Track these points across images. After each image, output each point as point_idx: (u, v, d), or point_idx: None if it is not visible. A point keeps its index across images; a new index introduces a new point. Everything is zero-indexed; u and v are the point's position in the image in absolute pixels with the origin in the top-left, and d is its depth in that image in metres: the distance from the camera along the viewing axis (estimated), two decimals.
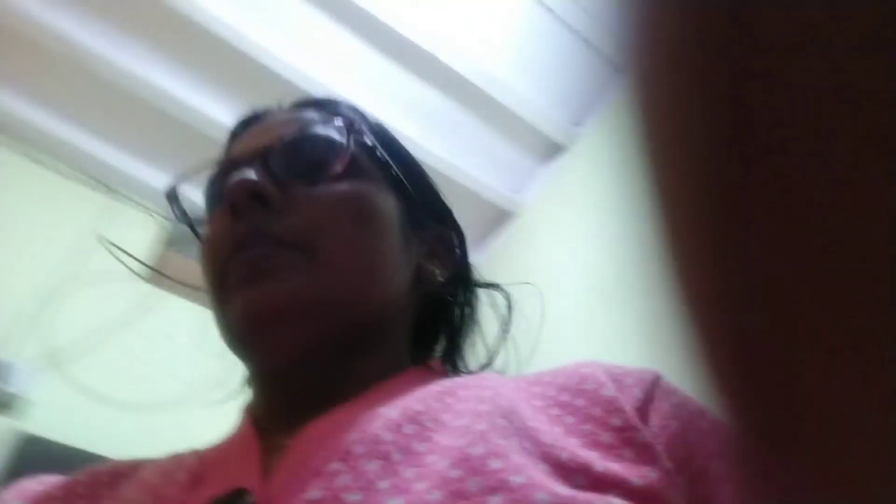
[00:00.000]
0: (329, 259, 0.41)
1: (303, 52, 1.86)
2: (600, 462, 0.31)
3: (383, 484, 0.30)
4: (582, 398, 0.36)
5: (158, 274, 0.86)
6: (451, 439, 0.32)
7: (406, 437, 0.33)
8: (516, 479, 0.29)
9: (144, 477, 0.42)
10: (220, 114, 1.86)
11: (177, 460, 0.43)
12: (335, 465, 0.32)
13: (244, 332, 0.40)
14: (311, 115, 0.48)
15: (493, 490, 0.28)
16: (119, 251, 0.55)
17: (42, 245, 1.84)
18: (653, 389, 0.37)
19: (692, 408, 0.36)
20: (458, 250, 0.52)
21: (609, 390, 0.35)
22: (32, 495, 0.44)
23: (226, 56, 1.81)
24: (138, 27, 1.80)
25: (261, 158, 0.43)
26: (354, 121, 0.47)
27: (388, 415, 0.35)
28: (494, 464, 0.30)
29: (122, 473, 0.44)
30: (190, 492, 0.38)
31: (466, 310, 0.52)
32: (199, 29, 1.75)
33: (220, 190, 0.45)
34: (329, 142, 0.45)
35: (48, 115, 1.90)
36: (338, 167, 0.44)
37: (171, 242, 1.96)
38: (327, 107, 0.50)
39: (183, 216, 0.49)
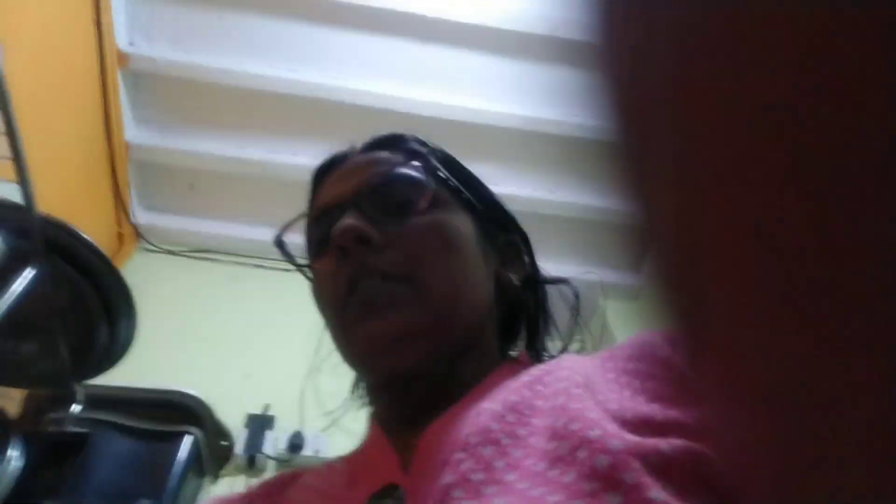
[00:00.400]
0: (429, 286, 0.47)
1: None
2: (661, 412, 0.36)
3: (499, 464, 0.37)
4: (644, 362, 0.41)
5: None
6: (545, 420, 0.39)
7: (510, 425, 0.40)
8: (593, 433, 0.35)
9: (307, 481, 0.51)
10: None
11: (330, 467, 0.52)
12: (458, 455, 0.38)
13: (367, 358, 0.48)
14: (388, 156, 0.53)
15: (577, 447, 0.34)
16: None
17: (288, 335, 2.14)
18: None
19: None
20: (525, 254, 0.58)
21: (664, 351, 0.41)
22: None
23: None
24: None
25: (354, 202, 0.50)
26: (426, 156, 0.53)
27: (492, 408, 0.41)
28: (574, 426, 0.36)
29: (287, 482, 0.53)
30: (349, 490, 0.46)
31: (541, 305, 0.59)
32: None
33: (321, 234, 0.51)
34: (412, 181, 0.51)
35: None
36: (423, 203, 0.50)
37: None
38: (398, 144, 0.55)
39: (291, 261, 0.57)
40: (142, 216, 2.28)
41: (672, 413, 0.37)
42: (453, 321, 0.48)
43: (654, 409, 0.37)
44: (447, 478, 0.38)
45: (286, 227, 0.58)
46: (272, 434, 1.75)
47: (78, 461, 1.09)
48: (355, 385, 0.62)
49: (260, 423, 1.75)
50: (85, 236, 0.95)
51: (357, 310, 0.47)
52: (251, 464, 1.69)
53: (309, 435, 1.76)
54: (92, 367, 1.09)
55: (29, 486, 1.00)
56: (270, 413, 1.78)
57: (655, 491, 0.32)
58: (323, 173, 0.57)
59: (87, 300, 0.99)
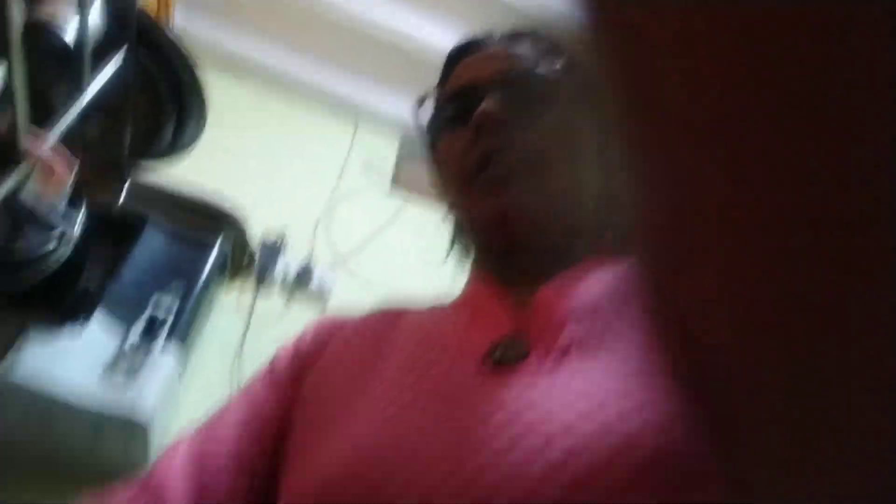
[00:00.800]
0: (555, 174, 0.52)
1: None
2: None
3: (608, 336, 0.43)
4: None
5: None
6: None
7: (614, 304, 0.46)
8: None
9: (417, 320, 0.56)
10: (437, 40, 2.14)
11: (437, 310, 0.57)
12: (574, 320, 0.45)
13: (490, 228, 0.54)
14: (529, 48, 0.57)
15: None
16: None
17: (311, 170, 2.19)
18: None
19: None
20: None
21: None
22: (330, 327, 0.60)
23: None
24: None
25: (494, 87, 0.54)
26: (560, 52, 0.56)
27: (598, 289, 0.48)
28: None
29: (396, 316, 0.58)
30: (466, 332, 0.50)
31: None
32: None
33: (455, 111, 0.56)
34: (546, 77, 0.55)
35: (301, 60, 2.34)
36: (557, 100, 0.54)
37: (404, 158, 2.32)
38: (535, 36, 0.58)
39: (420, 130, 0.61)
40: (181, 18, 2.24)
41: None
42: (571, 207, 0.53)
43: None
44: (563, 339, 0.44)
45: (424, 99, 0.62)
46: (283, 260, 1.85)
47: (128, 241, 1.18)
48: (454, 239, 0.65)
49: (272, 248, 1.85)
50: (174, 33, 0.98)
51: (487, 183, 0.52)
52: (260, 281, 1.80)
53: (318, 270, 1.87)
54: (150, 158, 1.15)
55: (81, 255, 1.09)
56: (283, 241, 1.87)
57: None
58: (460, 55, 0.60)
59: (162, 95, 1.03)
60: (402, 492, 0.39)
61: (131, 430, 1.14)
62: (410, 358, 0.50)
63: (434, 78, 0.63)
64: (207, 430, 0.54)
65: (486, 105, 0.52)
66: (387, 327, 0.56)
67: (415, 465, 0.40)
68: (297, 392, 0.55)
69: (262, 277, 1.80)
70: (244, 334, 1.61)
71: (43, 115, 0.82)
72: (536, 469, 0.36)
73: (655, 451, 0.35)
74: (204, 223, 1.36)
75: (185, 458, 0.52)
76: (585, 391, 0.39)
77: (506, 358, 0.45)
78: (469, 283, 0.59)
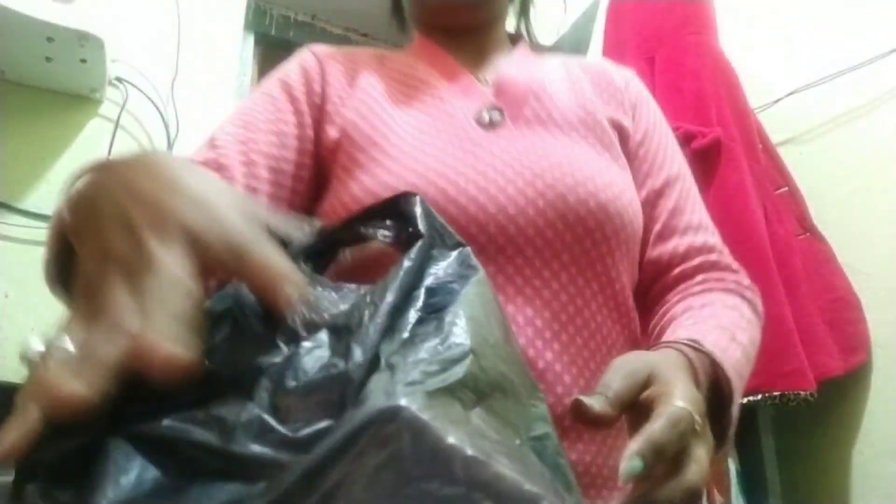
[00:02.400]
0: None
1: None
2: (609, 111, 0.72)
3: (548, 112, 0.68)
4: (604, 81, 0.76)
5: None
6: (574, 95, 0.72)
7: (549, 79, 0.72)
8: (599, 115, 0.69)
9: (394, 66, 0.75)
10: None
11: (408, 61, 0.76)
12: (529, 98, 0.69)
13: (442, 9, 0.74)
14: None
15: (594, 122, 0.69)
16: None
17: None
18: (631, 79, 0.79)
19: (648, 101, 0.77)
20: None
21: (606, 78, 0.77)
22: (325, 57, 0.73)
23: None
24: None
25: None
26: None
27: (539, 73, 0.73)
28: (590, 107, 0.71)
29: (379, 60, 0.76)
30: (458, 100, 0.69)
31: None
32: None
33: None
34: None
35: None
36: None
37: None
38: None
39: None
40: None
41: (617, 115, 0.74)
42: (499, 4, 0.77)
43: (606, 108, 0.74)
44: (526, 110, 0.68)
45: None
46: None
47: None
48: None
49: None
50: None
51: None
52: None
53: None
54: None
55: None
56: None
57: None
58: None
59: None
60: (463, 197, 0.59)
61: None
62: (420, 115, 0.67)
63: None
64: (245, 133, 0.64)
65: None
66: (385, 71, 0.73)
67: (464, 181, 0.60)
68: (321, 114, 0.68)
69: None
70: None
71: None
72: (533, 189, 0.60)
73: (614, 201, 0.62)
74: None
75: (234, 158, 0.61)
76: (552, 146, 0.65)
77: (493, 121, 0.67)
78: (419, 46, 0.78)
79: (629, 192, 0.65)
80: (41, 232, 1.27)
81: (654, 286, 0.68)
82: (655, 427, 0.39)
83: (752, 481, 1.22)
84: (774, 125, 1.63)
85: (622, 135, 0.71)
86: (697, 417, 0.41)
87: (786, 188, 1.52)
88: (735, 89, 1.50)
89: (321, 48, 0.75)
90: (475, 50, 0.76)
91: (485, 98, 0.69)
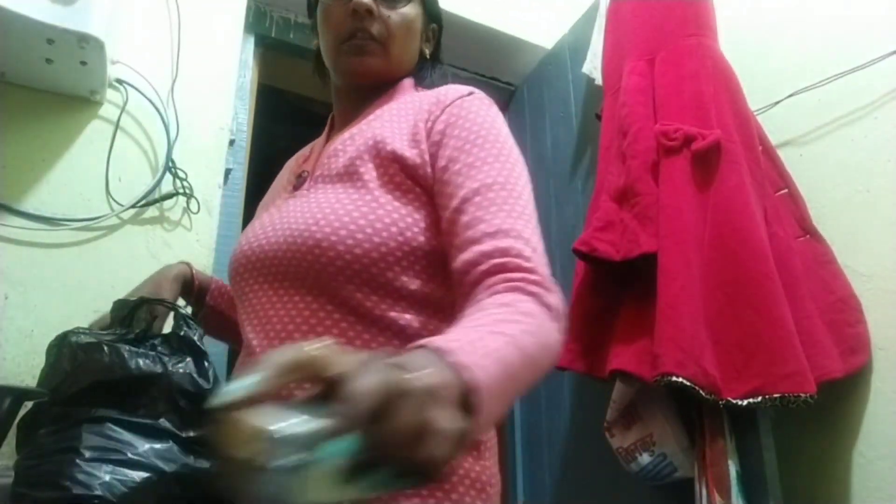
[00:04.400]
0: (395, 52, 0.94)
1: None
2: (405, 148, 0.83)
3: (331, 166, 0.86)
4: (422, 115, 0.87)
5: None
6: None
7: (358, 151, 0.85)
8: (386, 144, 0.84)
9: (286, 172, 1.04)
10: None
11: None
12: (328, 159, 0.88)
13: (348, 75, 0.95)
14: None
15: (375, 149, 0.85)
16: None
17: None
18: (447, 105, 0.86)
19: (461, 123, 0.83)
20: (437, 38, 1.05)
21: (424, 110, 0.87)
22: None
23: None
24: None
25: None
26: None
27: (369, 128, 0.88)
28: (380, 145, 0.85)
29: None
30: (297, 168, 0.97)
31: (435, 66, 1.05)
32: None
33: None
34: None
35: None
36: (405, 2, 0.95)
37: None
38: None
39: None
40: None
41: (407, 151, 0.83)
42: (398, 70, 0.97)
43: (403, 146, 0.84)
44: (318, 171, 0.88)
45: None
46: None
47: None
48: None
49: None
50: None
51: (350, 49, 0.92)
52: None
53: None
54: None
55: None
56: None
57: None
58: None
59: None
60: (255, 252, 0.85)
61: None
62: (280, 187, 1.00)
63: None
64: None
65: None
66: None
67: (257, 240, 0.85)
68: None
69: None
70: None
71: None
72: (288, 238, 0.79)
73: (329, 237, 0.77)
74: None
75: None
76: (316, 202, 0.81)
77: (297, 184, 0.91)
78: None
79: (353, 225, 0.77)
80: (41, 234, 1.27)
81: (460, 296, 0.73)
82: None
83: (752, 483, 1.22)
84: (774, 127, 1.63)
85: (404, 164, 0.81)
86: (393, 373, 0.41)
87: (786, 190, 1.52)
88: (735, 91, 1.50)
89: None
90: (357, 102, 0.97)
91: (308, 163, 0.93)
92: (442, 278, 0.79)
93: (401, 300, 0.77)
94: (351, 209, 0.78)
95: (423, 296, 0.78)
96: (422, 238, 0.78)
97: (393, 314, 0.77)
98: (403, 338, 0.76)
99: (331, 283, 0.76)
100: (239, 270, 0.87)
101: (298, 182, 0.90)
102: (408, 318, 0.77)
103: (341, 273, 0.75)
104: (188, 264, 1.10)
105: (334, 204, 0.79)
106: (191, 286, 1.08)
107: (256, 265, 0.83)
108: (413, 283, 0.78)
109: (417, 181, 0.81)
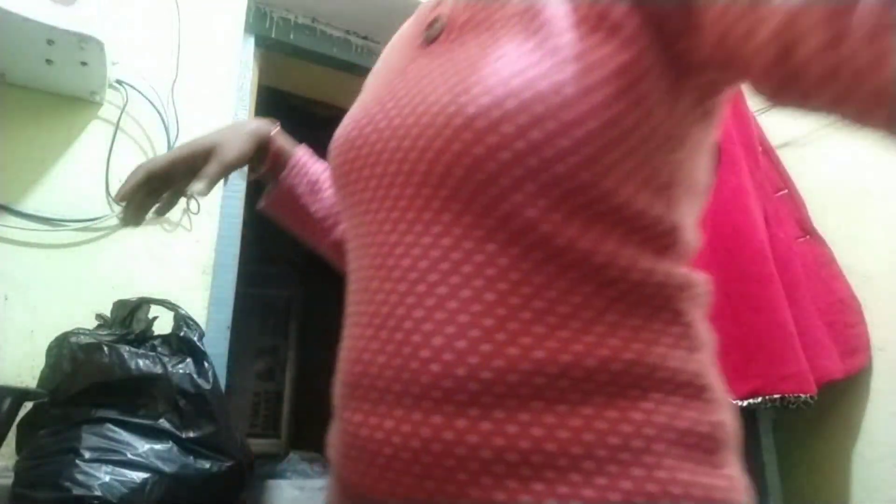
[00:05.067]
0: None
1: None
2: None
3: (496, 23, 0.52)
4: None
5: None
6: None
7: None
8: None
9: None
10: None
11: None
12: (471, 7, 0.54)
13: None
14: None
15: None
16: None
17: None
18: None
19: None
20: None
21: None
22: None
23: None
24: None
25: None
26: None
27: None
28: None
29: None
30: (420, 26, 0.61)
31: None
32: None
33: None
34: None
35: None
36: None
37: None
38: None
39: None
40: None
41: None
42: None
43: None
44: (464, 17, 0.54)
45: None
46: None
47: None
48: None
49: None
50: None
51: None
52: None
53: None
54: None
55: None
56: None
57: None
58: None
59: None
60: (367, 139, 0.55)
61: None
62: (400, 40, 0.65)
63: None
64: None
65: None
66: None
67: (370, 120, 0.56)
68: None
69: None
70: None
71: None
72: (421, 118, 0.50)
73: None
74: None
75: None
76: (466, 59, 0.50)
77: (429, 37, 0.57)
78: None
79: (528, 93, 0.45)
80: (41, 234, 1.27)
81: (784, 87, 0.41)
82: None
83: (752, 484, 1.22)
84: (774, 128, 1.63)
85: None
86: None
87: (786, 191, 1.52)
88: (735, 92, 1.50)
89: None
90: None
91: (444, 6, 0.58)
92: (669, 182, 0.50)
93: (600, 220, 0.47)
94: (524, 67, 0.46)
95: (636, 213, 0.48)
96: (643, 111, 0.46)
97: (585, 244, 0.47)
98: (599, 282, 0.47)
99: (487, 190, 0.46)
100: (342, 168, 0.58)
101: (432, 34, 0.57)
102: (609, 250, 0.47)
103: (506, 173, 0.46)
104: (273, 122, 0.80)
105: (494, 62, 0.47)
106: (265, 149, 0.78)
107: (369, 161, 0.54)
108: (623, 190, 0.47)
109: (632, 13, 0.46)
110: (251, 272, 2.26)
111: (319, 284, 3.25)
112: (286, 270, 3.23)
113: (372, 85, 0.64)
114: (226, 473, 0.87)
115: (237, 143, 0.73)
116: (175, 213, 1.42)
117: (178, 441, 0.85)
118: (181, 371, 0.89)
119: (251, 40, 1.72)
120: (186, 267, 1.37)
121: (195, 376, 0.90)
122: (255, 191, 1.39)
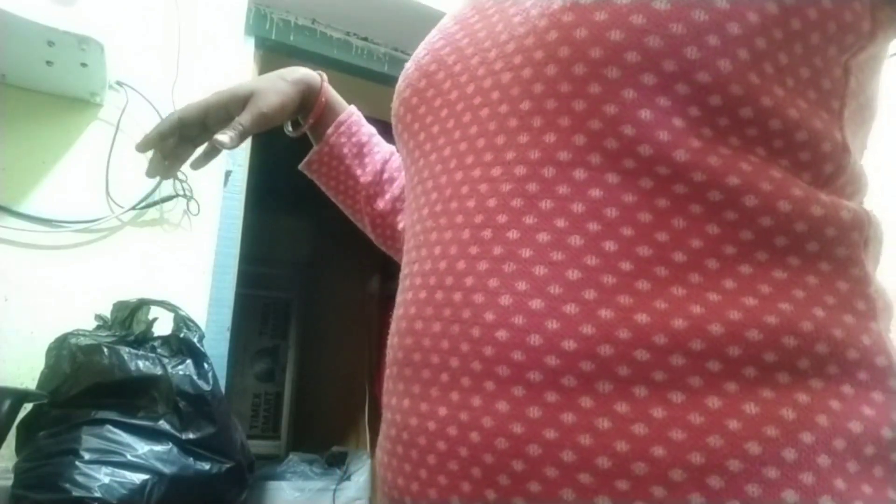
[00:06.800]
0: None
1: None
2: None
3: None
4: None
5: None
6: None
7: None
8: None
9: None
10: None
11: None
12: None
13: None
14: None
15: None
16: None
17: None
18: None
19: None
20: None
21: None
22: None
23: None
24: None
25: None
26: None
27: None
28: None
29: None
30: None
31: None
32: None
33: None
34: None
35: None
36: None
37: None
38: None
39: None
40: None
41: None
42: None
43: None
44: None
45: None
46: None
47: None
48: None
49: None
50: None
51: None
52: None
53: None
54: None
55: None
56: None
57: None
58: None
59: None
60: (464, 62, 0.44)
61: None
62: None
63: None
64: None
65: None
66: None
67: (468, 36, 0.45)
68: None
69: None
70: None
71: None
72: (538, 27, 0.38)
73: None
74: None
75: None
76: None
77: None
78: None
79: None
80: (41, 235, 1.27)
81: None
82: None
83: None
84: None
85: None
86: None
87: None
88: None
89: None
90: None
91: None
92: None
93: (754, 143, 0.37)
94: None
95: (795, 123, 0.38)
96: None
97: (735, 179, 0.36)
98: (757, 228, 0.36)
99: (600, 101, 0.35)
100: (410, 102, 0.48)
101: None
102: (773, 186, 0.37)
103: (633, 77, 0.34)
104: (321, 75, 0.72)
105: None
106: (312, 101, 0.69)
107: (444, 87, 0.44)
108: (773, 94, 0.36)
109: None
110: (251, 273, 2.26)
111: (319, 286, 3.25)
112: (286, 272, 3.23)
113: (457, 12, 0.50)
114: (226, 475, 0.87)
115: (278, 92, 0.64)
116: (175, 214, 1.42)
117: (177, 442, 0.85)
118: (181, 372, 0.89)
119: (251, 42, 1.72)
120: (186, 268, 1.37)
121: (195, 378, 0.90)
122: (255, 193, 1.39)
